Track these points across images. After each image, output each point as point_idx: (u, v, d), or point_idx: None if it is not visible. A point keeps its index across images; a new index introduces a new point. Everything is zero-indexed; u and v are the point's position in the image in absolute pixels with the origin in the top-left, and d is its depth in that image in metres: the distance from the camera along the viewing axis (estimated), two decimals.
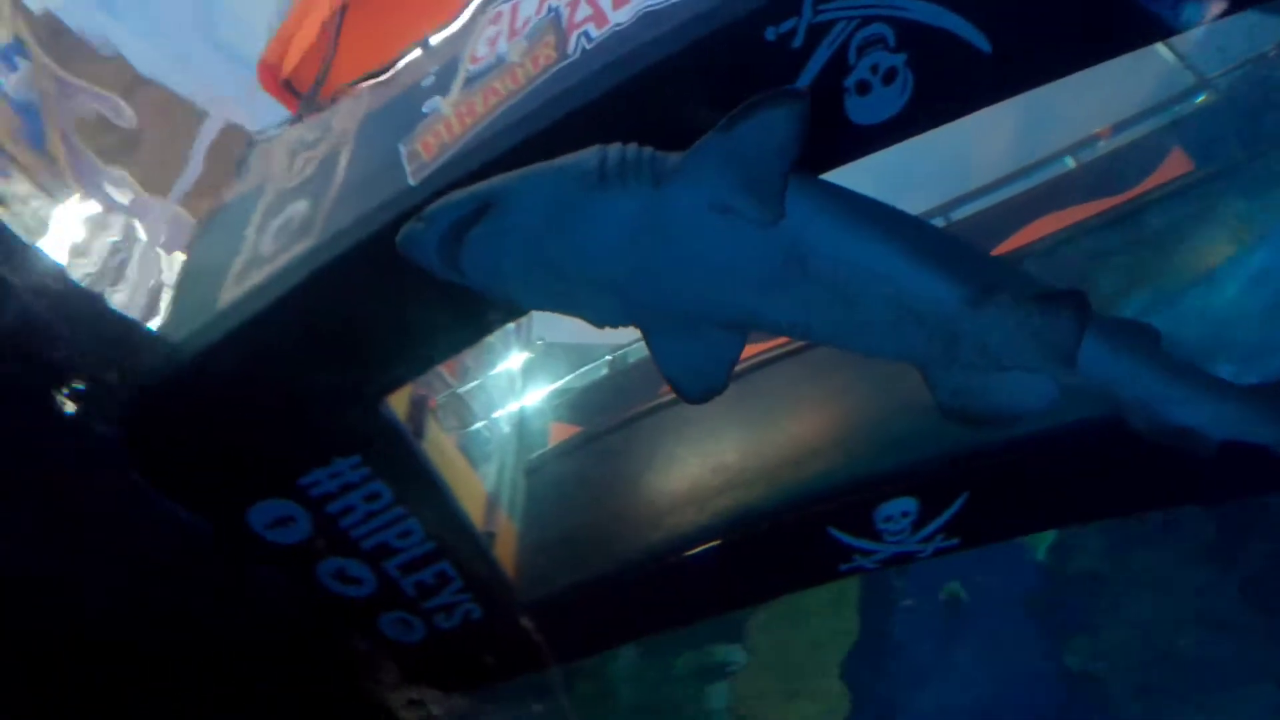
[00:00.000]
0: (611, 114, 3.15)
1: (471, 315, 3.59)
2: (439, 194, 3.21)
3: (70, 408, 4.63)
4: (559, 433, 5.79)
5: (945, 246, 2.61)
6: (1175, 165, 5.97)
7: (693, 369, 2.56)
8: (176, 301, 4.89)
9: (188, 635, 5.13)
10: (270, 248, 3.93)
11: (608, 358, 6.54)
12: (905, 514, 4.02)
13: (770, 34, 2.92)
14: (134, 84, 7.71)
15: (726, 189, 2.23)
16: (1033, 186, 6.79)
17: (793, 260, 2.34)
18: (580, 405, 6.01)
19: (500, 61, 3.95)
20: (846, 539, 4.00)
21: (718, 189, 2.25)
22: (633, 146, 2.40)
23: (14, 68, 6.44)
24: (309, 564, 4.56)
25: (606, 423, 5.38)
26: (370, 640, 5.05)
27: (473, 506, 4.49)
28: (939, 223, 6.56)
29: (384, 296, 3.47)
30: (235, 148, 6.78)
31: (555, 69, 3.48)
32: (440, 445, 4.37)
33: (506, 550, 4.66)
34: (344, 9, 6.02)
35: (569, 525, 4.76)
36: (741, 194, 2.23)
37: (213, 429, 4.00)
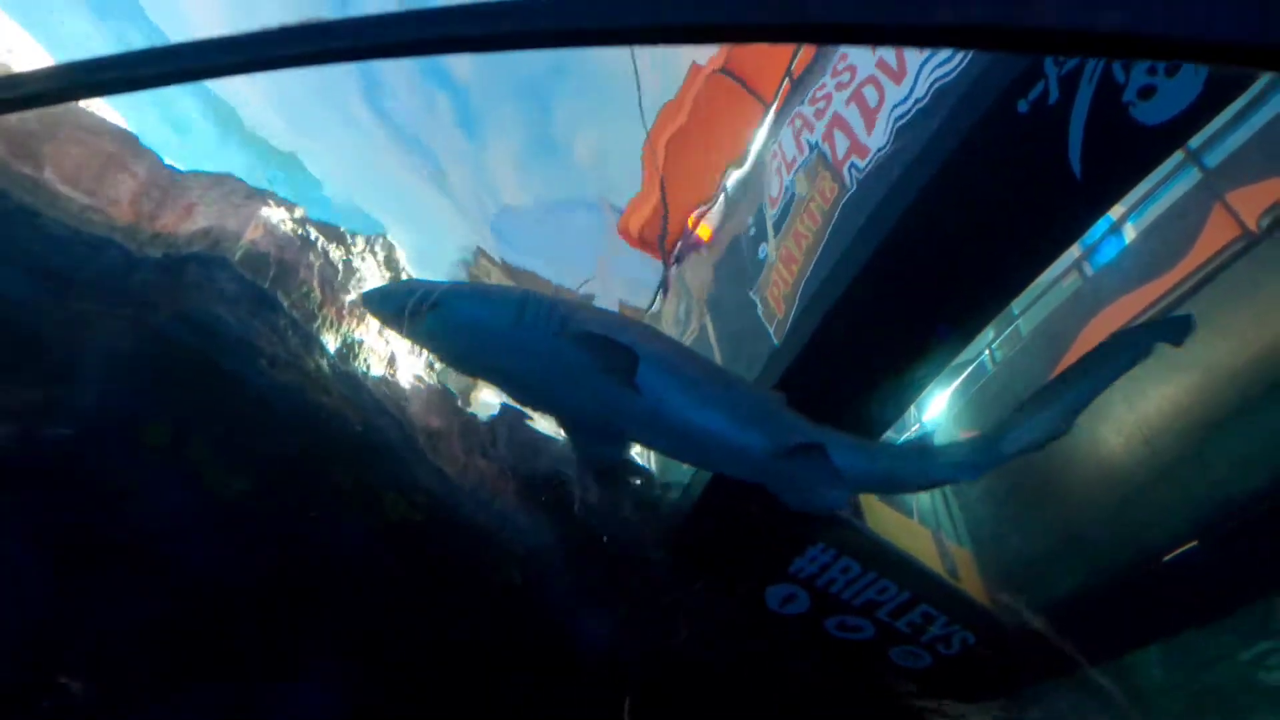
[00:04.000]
0: (906, 241, 3.55)
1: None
2: (802, 350, 4.07)
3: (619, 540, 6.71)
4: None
5: (761, 410, 3.31)
6: None
7: (595, 453, 3.20)
8: None
9: (740, 679, 6.71)
10: None
11: (985, 354, 6.26)
12: None
13: (1023, 106, 3.06)
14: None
15: (599, 366, 2.82)
16: None
17: (653, 412, 2.95)
18: (978, 409, 5.90)
19: (792, 199, 4.67)
20: None
21: (594, 363, 2.82)
22: (547, 299, 2.97)
23: None
24: (818, 623, 5.63)
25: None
26: (886, 670, 5.88)
27: (925, 551, 5.01)
28: None
29: None
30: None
31: (844, 202, 4.02)
32: (878, 513, 5.04)
33: (972, 579, 5.03)
34: (663, 181, 7.55)
35: (1022, 541, 4.88)
36: (609, 373, 2.81)
37: (722, 544, 5.39)
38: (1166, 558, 3.88)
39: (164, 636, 5.45)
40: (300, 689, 6.03)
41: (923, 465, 3.56)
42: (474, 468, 6.43)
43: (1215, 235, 3.96)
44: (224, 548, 5.72)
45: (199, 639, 5.57)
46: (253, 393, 5.37)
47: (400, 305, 2.94)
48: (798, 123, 4.80)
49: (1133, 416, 4.04)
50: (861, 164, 3.95)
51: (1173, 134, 2.99)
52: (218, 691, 5.71)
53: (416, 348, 4.19)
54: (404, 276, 8.52)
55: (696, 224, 7.28)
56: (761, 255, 4.89)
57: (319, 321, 6.04)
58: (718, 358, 5.10)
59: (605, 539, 6.50)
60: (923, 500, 5.57)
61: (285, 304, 5.77)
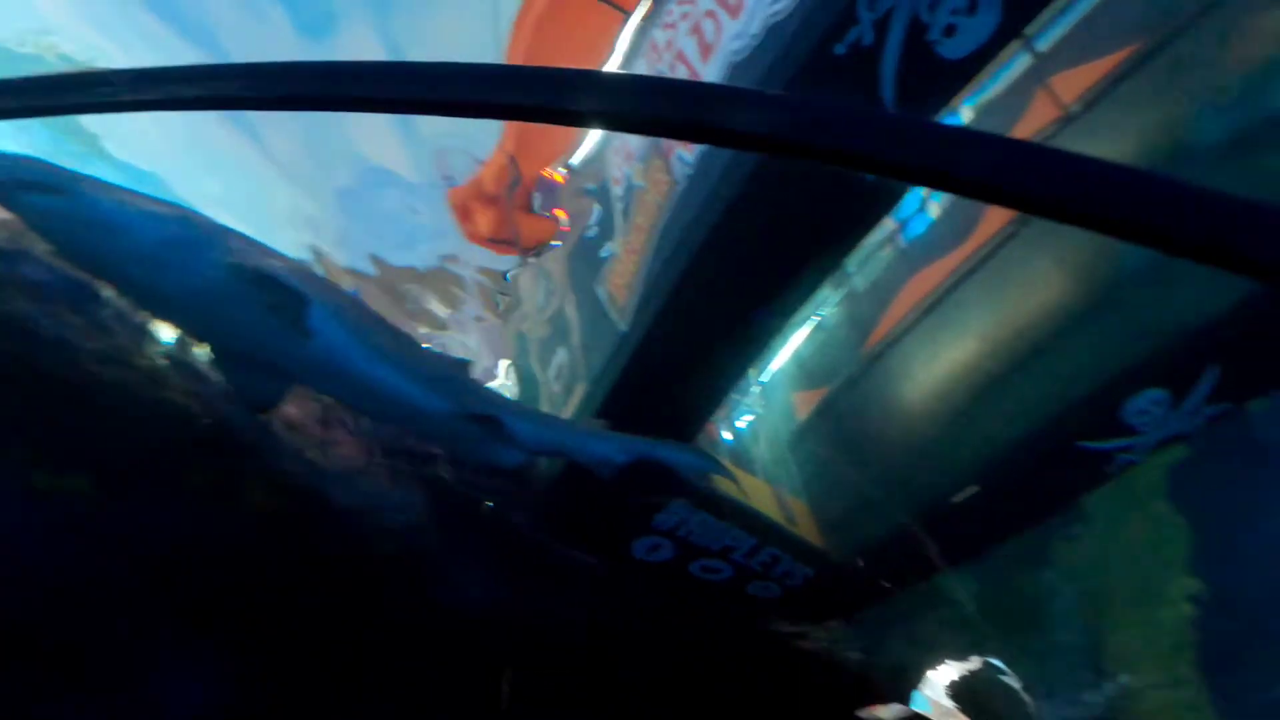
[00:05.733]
0: (743, 221, 3.70)
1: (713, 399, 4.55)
2: (647, 332, 4.24)
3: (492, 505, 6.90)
4: (802, 402, 6.26)
5: (443, 374, 3.35)
6: None
7: (251, 388, 3.17)
8: None
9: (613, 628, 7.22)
10: (559, 388, 5.39)
11: (816, 318, 6.47)
12: (1157, 403, 3.93)
13: (840, 49, 3.19)
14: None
15: (267, 303, 2.68)
16: None
17: (324, 360, 2.91)
18: (810, 370, 6.26)
19: (631, 189, 4.74)
20: (1100, 446, 4.05)
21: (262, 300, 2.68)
22: (217, 225, 2.77)
23: None
24: (683, 568, 6.10)
25: (839, 383, 5.81)
26: (744, 602, 6.51)
27: (766, 503, 5.51)
28: None
29: (641, 409, 4.61)
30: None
31: (675, 196, 4.14)
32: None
33: (808, 524, 5.61)
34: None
35: (844, 492, 5.46)
36: (277, 314, 2.68)
37: (590, 504, 5.64)
38: (954, 499, 4.47)
39: (15, 649, 5.13)
40: (173, 684, 5.88)
41: (581, 440, 4.12)
42: (337, 448, 6.30)
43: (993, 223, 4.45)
44: (66, 549, 5.37)
45: (55, 649, 5.28)
46: (78, 392, 4.96)
47: (13, 178, 2.53)
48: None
49: (929, 377, 4.55)
50: (687, 157, 4.04)
51: (972, 65, 3.29)
52: (83, 701, 5.47)
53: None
54: None
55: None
56: (605, 253, 4.95)
57: None
58: (577, 340, 5.21)
59: (478, 507, 6.63)
60: (765, 460, 6.07)
61: (109, 294, 5.29)
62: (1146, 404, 3.89)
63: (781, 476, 5.99)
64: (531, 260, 6.77)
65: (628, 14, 5.31)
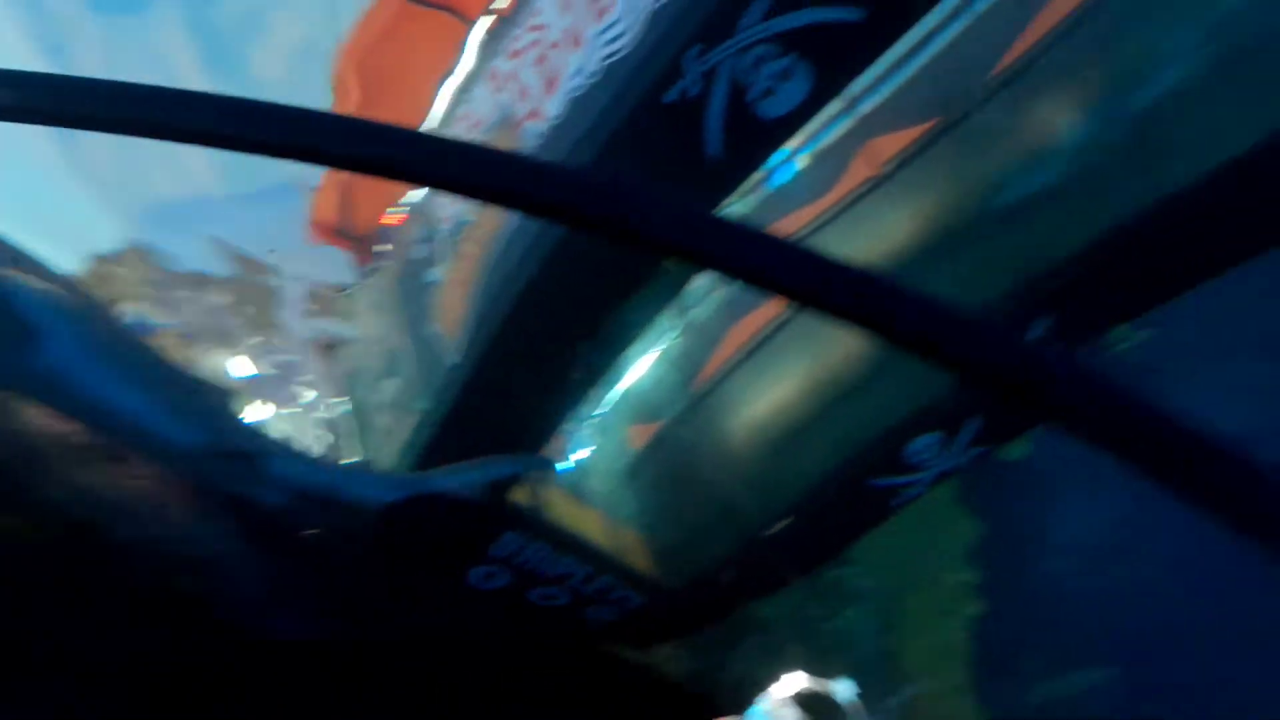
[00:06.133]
0: (572, 259, 3.69)
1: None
2: (477, 366, 4.11)
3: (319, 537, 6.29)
4: (636, 435, 6.39)
5: (200, 406, 3.23)
6: None
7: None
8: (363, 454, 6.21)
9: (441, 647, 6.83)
10: (391, 421, 5.08)
11: (657, 350, 6.52)
12: (931, 445, 4.44)
13: (669, 97, 3.29)
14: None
15: None
16: None
17: (56, 380, 2.81)
18: (644, 405, 6.39)
19: (460, 226, 4.61)
20: (888, 481, 4.50)
21: None
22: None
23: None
24: (521, 594, 5.91)
25: (670, 419, 6.04)
26: (581, 626, 6.42)
27: (599, 533, 5.54)
28: None
29: (474, 441, 4.46)
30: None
31: (506, 233, 4.07)
32: (559, 506, 5.42)
33: (639, 554, 5.71)
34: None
35: (676, 523, 5.64)
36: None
37: (423, 534, 5.30)
38: (771, 530, 4.75)
39: None
40: None
41: (350, 482, 3.93)
42: (129, 477, 5.42)
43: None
44: None
45: None
46: None
47: None
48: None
49: (750, 416, 4.85)
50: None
51: (790, 122, 3.52)
52: None
53: None
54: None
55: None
56: (430, 279, 4.77)
57: None
58: (409, 372, 4.95)
59: (299, 535, 6.00)
60: (600, 491, 6.13)
61: None
62: (923, 445, 4.39)
63: (616, 507, 6.04)
64: (366, 273, 6.36)
65: (471, 23, 5.13)
